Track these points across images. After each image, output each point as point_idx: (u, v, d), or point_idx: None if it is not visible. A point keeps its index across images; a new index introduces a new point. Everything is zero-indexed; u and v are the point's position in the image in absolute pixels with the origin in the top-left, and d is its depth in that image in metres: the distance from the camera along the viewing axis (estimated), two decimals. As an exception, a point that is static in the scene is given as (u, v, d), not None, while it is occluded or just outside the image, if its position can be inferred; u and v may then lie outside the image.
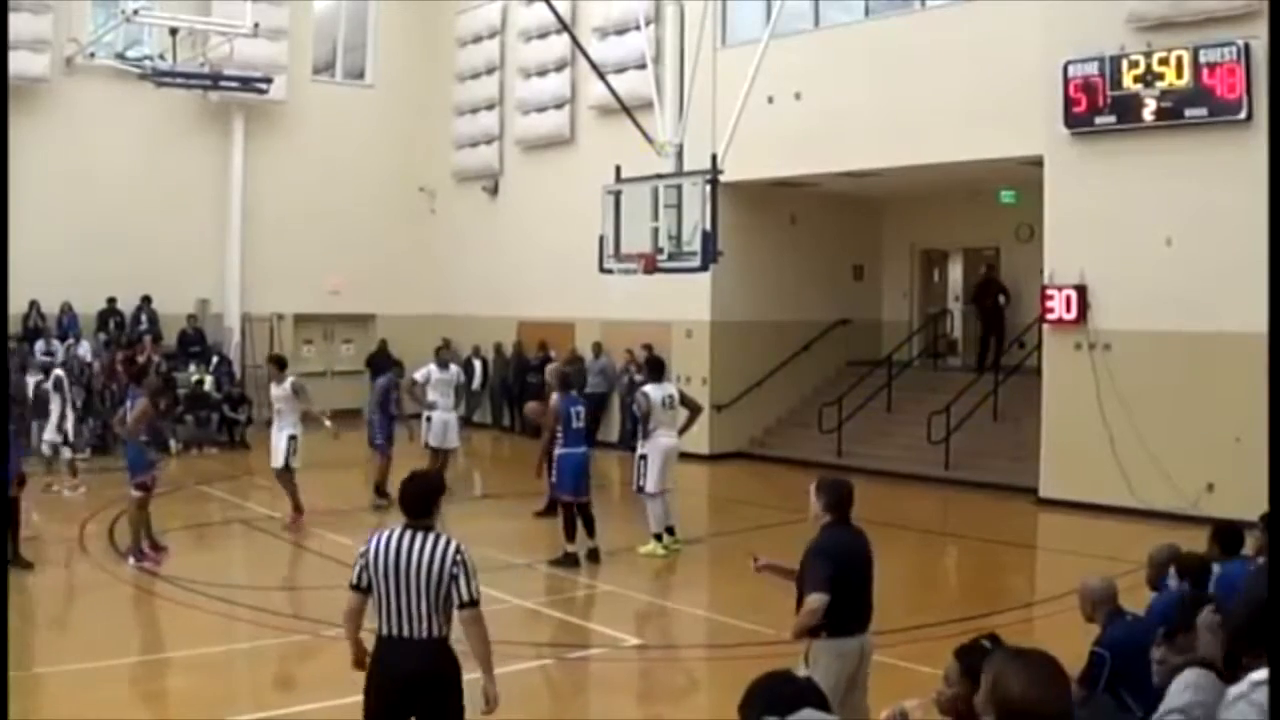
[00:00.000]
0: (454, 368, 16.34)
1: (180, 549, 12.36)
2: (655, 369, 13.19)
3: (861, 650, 5.82)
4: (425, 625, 5.11)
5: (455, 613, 5.17)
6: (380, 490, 14.83)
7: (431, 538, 5.19)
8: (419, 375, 15.78)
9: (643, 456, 12.30)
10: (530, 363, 22.19)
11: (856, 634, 5.78)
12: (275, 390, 13.85)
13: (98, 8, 21.97)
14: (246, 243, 23.35)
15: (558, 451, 12.11)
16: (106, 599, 10.61)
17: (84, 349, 20.89)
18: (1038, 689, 2.68)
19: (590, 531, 11.94)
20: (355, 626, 5.41)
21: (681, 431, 12.71)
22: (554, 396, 12.57)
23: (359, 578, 5.25)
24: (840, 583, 5.61)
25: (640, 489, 12.33)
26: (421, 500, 5.33)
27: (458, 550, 5.19)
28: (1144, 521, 13.19)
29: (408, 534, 5.21)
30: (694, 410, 12.88)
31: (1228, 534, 6.70)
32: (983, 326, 19.96)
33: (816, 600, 5.54)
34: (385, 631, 5.16)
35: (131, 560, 11.49)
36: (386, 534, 5.25)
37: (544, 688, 8.63)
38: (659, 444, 12.30)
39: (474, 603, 5.17)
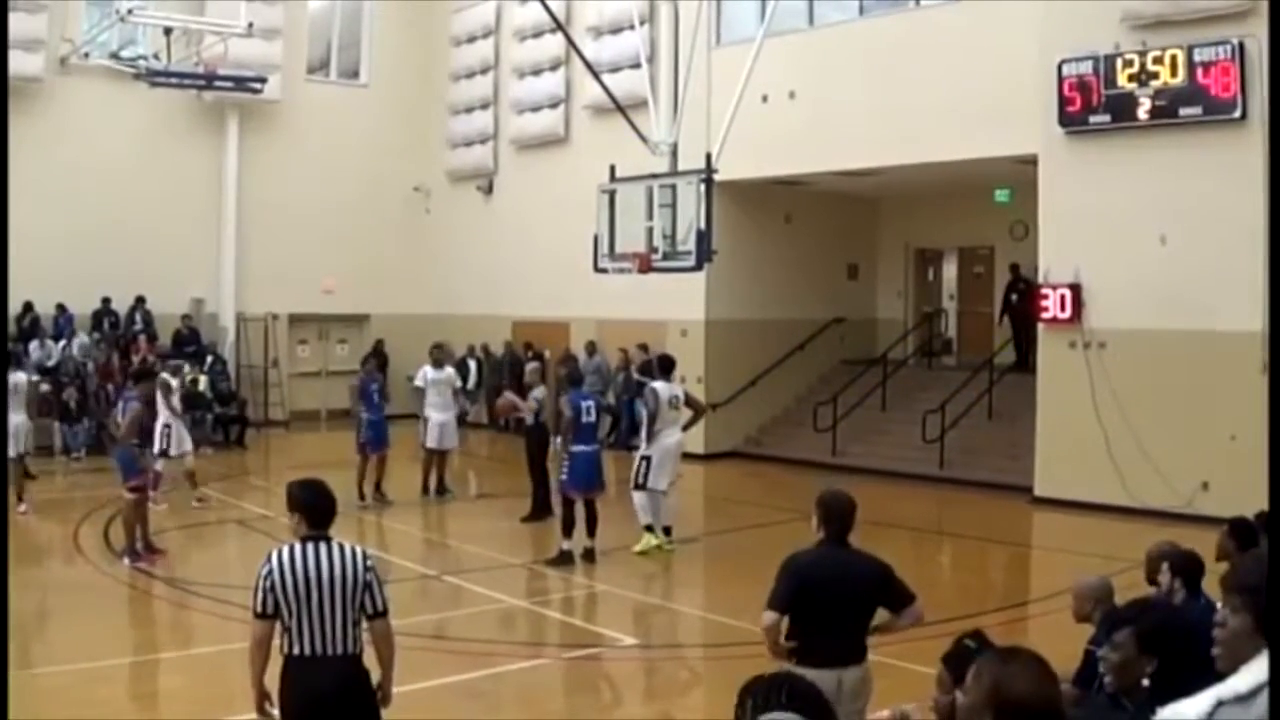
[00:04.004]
0: (449, 368, 16.32)
1: (176, 549, 12.35)
2: (666, 368, 13.10)
3: (839, 686, 4.94)
4: (342, 642, 4.88)
5: (366, 624, 4.97)
6: (377, 489, 15.04)
7: (338, 547, 4.95)
8: (418, 380, 15.71)
9: (645, 458, 12.25)
10: (526, 362, 22.10)
11: (830, 666, 4.99)
12: None
13: (92, 7, 21.88)
14: (241, 242, 23.33)
15: (570, 448, 12.07)
16: (102, 599, 10.56)
17: (78, 349, 20.87)
18: (1044, 686, 2.68)
19: (591, 531, 11.93)
20: (264, 660, 4.96)
21: (685, 428, 12.68)
22: (533, 393, 12.74)
23: (264, 603, 4.86)
24: (806, 604, 5.14)
25: (639, 485, 12.28)
26: (326, 509, 5.04)
27: (366, 557, 4.99)
28: (1139, 520, 13.18)
29: (311, 546, 4.93)
30: (698, 410, 12.86)
31: (1243, 528, 6.57)
32: (1014, 325, 18.98)
33: (764, 618, 5.22)
34: (299, 651, 4.86)
35: (126, 560, 11.50)
36: (288, 550, 4.93)
37: (539, 687, 8.62)
38: (663, 444, 12.27)
39: (385, 612, 5.01)
